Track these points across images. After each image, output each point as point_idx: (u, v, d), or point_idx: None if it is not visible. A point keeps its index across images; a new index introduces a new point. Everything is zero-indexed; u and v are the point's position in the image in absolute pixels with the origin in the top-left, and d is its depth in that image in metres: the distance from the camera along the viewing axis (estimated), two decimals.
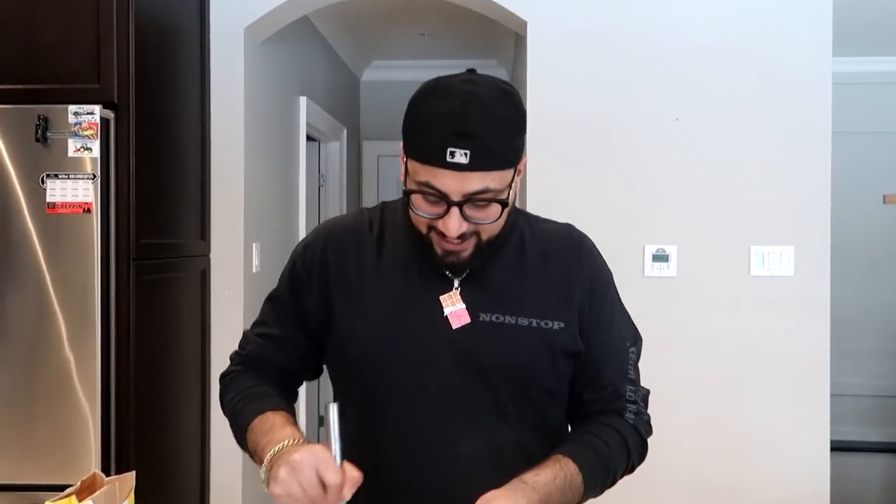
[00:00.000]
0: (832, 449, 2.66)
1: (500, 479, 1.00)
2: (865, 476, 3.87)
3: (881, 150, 4.06)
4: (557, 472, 1.00)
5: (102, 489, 0.76)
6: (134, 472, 0.81)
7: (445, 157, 0.96)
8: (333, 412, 0.96)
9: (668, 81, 2.63)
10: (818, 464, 2.60)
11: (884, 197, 4.13)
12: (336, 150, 4.35)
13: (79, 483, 0.77)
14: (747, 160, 2.62)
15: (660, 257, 2.60)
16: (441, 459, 1.06)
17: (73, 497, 0.73)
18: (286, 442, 0.98)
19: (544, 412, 1.13)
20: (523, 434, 1.10)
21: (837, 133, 2.67)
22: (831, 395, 2.64)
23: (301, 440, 1.00)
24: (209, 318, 2.79)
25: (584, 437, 1.08)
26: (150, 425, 2.35)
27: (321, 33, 3.91)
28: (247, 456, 2.87)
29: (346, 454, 0.96)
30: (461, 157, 0.96)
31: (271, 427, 1.03)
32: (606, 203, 2.63)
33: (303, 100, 3.52)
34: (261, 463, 1.01)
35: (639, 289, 2.58)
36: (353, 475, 0.92)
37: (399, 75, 4.67)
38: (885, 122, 4.06)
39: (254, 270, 2.94)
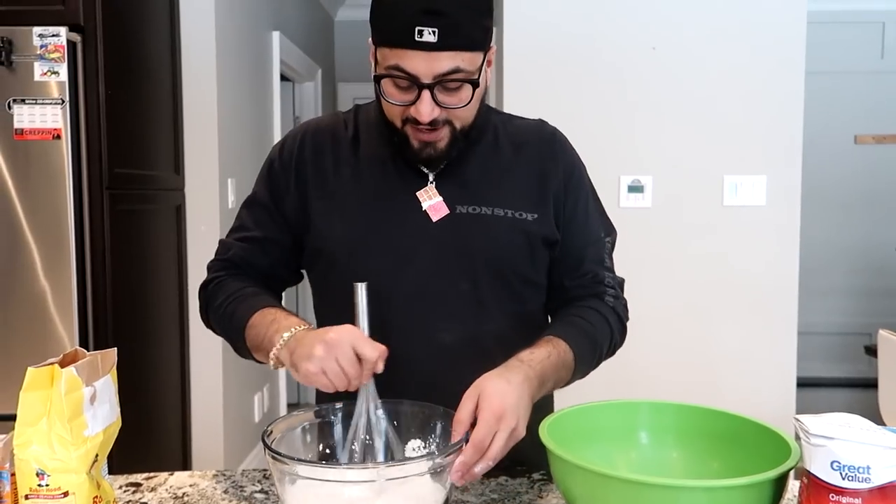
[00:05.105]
0: (799, 385, 2.73)
1: (480, 369, 1.02)
2: (830, 409, 3.99)
3: (853, 90, 4.08)
4: (551, 351, 1.02)
5: (85, 359, 0.76)
6: (115, 349, 0.82)
7: (413, 37, 0.95)
8: (362, 291, 0.96)
9: (646, 9, 2.62)
10: (784, 388, 2.68)
11: (855, 137, 4.18)
12: (311, 91, 4.28)
13: (60, 356, 0.77)
14: (722, 92, 2.63)
15: (635, 188, 2.62)
16: (422, 351, 1.08)
17: (56, 365, 0.73)
18: (297, 327, 0.98)
19: (523, 302, 1.15)
20: (502, 324, 1.12)
21: (811, 73, 2.68)
22: (800, 334, 2.71)
23: (310, 326, 1.00)
24: (186, 253, 2.78)
25: (571, 319, 1.10)
26: (129, 354, 2.35)
27: None
28: (227, 381, 2.83)
29: None
30: (429, 35, 0.95)
31: (274, 319, 1.03)
32: (583, 133, 2.57)
33: (276, 35, 3.44)
34: (266, 355, 1.01)
35: (614, 220, 2.59)
36: (383, 348, 0.94)
37: None
38: (858, 60, 4.08)
39: (229, 206, 2.92)
